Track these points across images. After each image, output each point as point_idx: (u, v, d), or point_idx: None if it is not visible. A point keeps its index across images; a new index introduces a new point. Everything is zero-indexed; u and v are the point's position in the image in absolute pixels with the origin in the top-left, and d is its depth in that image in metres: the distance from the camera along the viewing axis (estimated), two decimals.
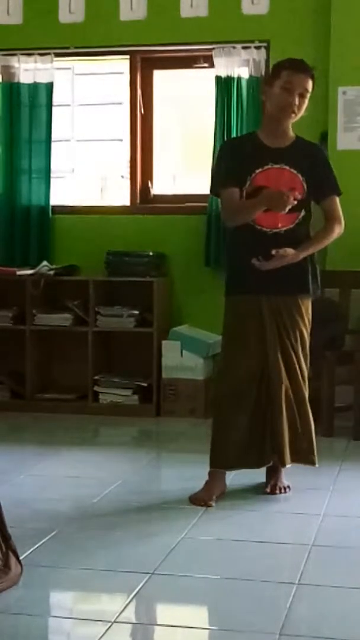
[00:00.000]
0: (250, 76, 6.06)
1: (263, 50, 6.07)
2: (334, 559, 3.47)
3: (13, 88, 6.40)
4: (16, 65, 6.37)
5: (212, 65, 6.12)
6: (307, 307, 4.20)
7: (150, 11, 6.20)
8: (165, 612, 3.15)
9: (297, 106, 4.07)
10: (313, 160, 4.17)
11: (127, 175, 6.50)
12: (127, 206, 6.46)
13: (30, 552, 3.40)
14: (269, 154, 4.10)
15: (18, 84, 6.38)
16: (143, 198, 6.44)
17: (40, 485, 4.39)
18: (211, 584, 3.20)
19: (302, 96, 4.07)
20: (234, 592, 3.14)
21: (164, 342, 6.00)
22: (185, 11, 6.16)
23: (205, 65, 6.25)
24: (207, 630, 2.82)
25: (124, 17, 6.24)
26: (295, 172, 4.09)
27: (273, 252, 3.99)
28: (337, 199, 4.24)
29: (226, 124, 6.06)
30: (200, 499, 4.07)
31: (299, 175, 4.10)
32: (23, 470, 4.64)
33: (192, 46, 6.21)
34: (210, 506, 4.03)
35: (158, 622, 3.05)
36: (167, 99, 6.50)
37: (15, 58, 6.37)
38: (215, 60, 6.07)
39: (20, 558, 3.19)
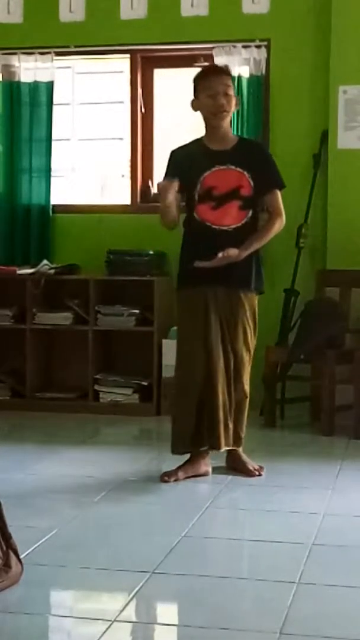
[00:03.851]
0: (251, 75, 6.07)
1: (263, 50, 6.08)
2: (335, 558, 3.47)
3: (13, 87, 6.41)
4: (16, 64, 6.38)
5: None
6: (251, 302, 4.43)
7: (151, 10, 6.21)
8: (165, 611, 3.15)
9: (226, 105, 4.33)
10: (256, 157, 4.43)
11: (128, 174, 6.50)
12: (128, 205, 6.47)
13: (31, 551, 3.40)
14: (214, 157, 4.38)
15: (18, 82, 6.39)
16: (143, 197, 6.44)
17: (40, 484, 4.39)
18: (211, 583, 3.20)
19: (226, 94, 4.33)
20: (234, 591, 3.14)
21: (164, 341, 6.00)
22: (186, 10, 6.17)
23: (206, 64, 6.24)
24: (208, 630, 2.82)
25: (125, 16, 6.25)
26: (240, 170, 4.35)
27: (219, 254, 4.24)
28: (279, 193, 4.45)
29: None
30: (162, 474, 4.41)
31: (245, 173, 4.35)
32: (23, 469, 4.65)
33: (193, 45, 6.22)
34: (165, 482, 4.36)
35: (158, 621, 3.05)
36: (167, 98, 6.50)
37: (15, 57, 6.37)
38: (216, 59, 6.08)
39: (21, 557, 3.19)
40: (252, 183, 4.34)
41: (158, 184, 4.32)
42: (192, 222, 4.40)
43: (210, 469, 4.53)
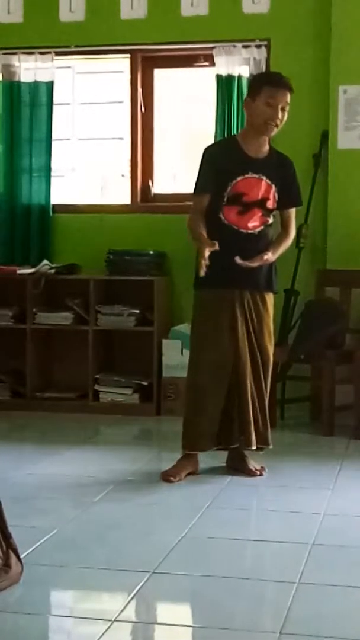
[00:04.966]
0: (251, 75, 6.05)
1: (263, 49, 6.07)
2: (335, 558, 3.47)
3: (14, 87, 6.40)
4: (17, 64, 6.38)
5: (212, 64, 6.13)
6: (271, 301, 4.58)
7: (151, 10, 6.21)
8: (165, 611, 3.15)
9: (279, 119, 4.39)
10: (285, 172, 4.52)
11: (128, 174, 6.50)
12: (128, 205, 6.46)
13: (31, 551, 3.40)
14: (249, 164, 4.45)
15: (19, 82, 6.38)
16: (143, 197, 6.44)
17: (40, 484, 4.39)
18: (211, 583, 3.20)
19: (283, 110, 4.39)
20: (234, 591, 3.14)
21: (164, 341, 6.01)
22: (186, 10, 6.16)
23: (206, 64, 6.25)
24: (207, 630, 2.82)
25: (125, 16, 6.24)
26: (270, 182, 4.44)
27: (265, 257, 4.36)
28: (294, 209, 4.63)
29: (226, 122, 6.07)
30: (166, 474, 4.42)
31: (273, 186, 4.46)
32: (23, 468, 4.65)
33: (193, 45, 6.22)
34: (170, 482, 4.38)
35: (158, 621, 3.05)
36: (167, 98, 6.50)
37: (15, 57, 6.37)
38: (216, 59, 6.08)
39: (21, 557, 3.19)
40: (276, 196, 4.45)
41: (202, 244, 4.25)
42: (218, 223, 4.41)
43: (199, 466, 4.55)
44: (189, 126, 6.62)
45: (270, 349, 4.53)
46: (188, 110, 6.59)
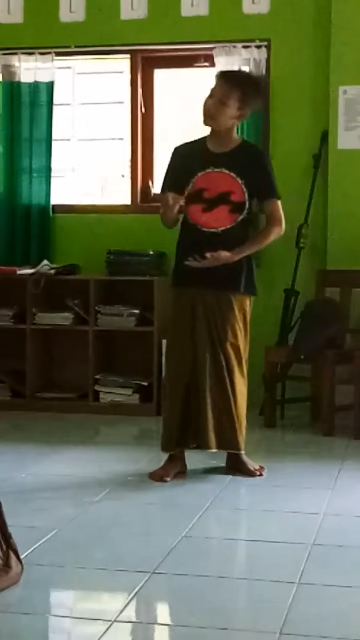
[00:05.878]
0: None
1: (264, 50, 6.07)
2: (335, 558, 3.47)
3: (14, 87, 6.40)
4: (17, 64, 6.38)
5: (212, 65, 6.13)
6: (241, 304, 4.40)
7: (151, 10, 6.21)
8: (165, 611, 3.15)
9: (214, 109, 4.29)
10: (253, 164, 4.39)
11: (128, 174, 6.50)
12: (128, 205, 6.47)
13: (31, 551, 3.40)
14: (210, 159, 4.36)
15: (19, 83, 6.38)
16: (144, 197, 6.44)
17: (40, 484, 4.39)
18: (211, 583, 3.20)
19: (222, 103, 4.29)
20: (234, 591, 3.14)
21: (164, 341, 5.99)
22: (186, 10, 6.17)
23: (206, 64, 6.25)
24: (207, 630, 2.82)
25: (125, 16, 6.25)
26: (234, 175, 4.32)
27: (207, 255, 4.25)
28: (278, 202, 4.41)
29: None
30: (157, 475, 4.42)
31: (238, 179, 4.32)
32: (23, 469, 4.65)
33: (193, 45, 6.22)
34: (165, 482, 4.35)
35: (158, 621, 3.05)
36: (167, 98, 6.50)
37: (15, 57, 6.37)
38: (216, 60, 6.08)
39: (21, 557, 3.19)
40: (244, 189, 4.32)
41: (166, 197, 4.27)
42: (185, 222, 4.41)
43: (186, 467, 4.53)
44: (189, 126, 6.61)
45: (235, 356, 4.37)
46: (188, 111, 6.58)
